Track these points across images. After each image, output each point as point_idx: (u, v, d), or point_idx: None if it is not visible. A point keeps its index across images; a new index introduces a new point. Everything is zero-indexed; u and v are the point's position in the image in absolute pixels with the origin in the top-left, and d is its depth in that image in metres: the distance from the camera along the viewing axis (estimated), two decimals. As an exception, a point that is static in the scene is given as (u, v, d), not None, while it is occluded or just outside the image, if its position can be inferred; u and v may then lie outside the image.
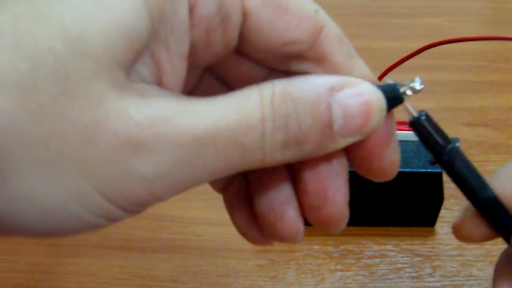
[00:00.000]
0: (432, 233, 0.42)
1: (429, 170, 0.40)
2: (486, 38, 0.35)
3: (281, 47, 0.21)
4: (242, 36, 0.21)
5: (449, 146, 0.24)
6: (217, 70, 0.23)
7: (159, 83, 0.20)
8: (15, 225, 0.18)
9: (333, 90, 0.20)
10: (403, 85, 0.22)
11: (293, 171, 0.23)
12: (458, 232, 0.27)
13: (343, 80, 0.20)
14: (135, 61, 0.19)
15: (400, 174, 0.40)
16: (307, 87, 0.20)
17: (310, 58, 0.21)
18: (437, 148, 0.24)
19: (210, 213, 0.43)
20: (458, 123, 0.54)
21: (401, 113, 0.50)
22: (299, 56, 0.21)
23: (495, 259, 0.32)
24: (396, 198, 0.41)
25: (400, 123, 0.44)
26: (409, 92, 0.22)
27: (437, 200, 0.41)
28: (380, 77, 0.38)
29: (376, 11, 0.85)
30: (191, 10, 0.19)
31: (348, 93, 0.20)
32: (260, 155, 0.19)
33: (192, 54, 0.20)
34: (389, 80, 0.23)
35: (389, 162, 0.23)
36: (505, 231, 0.26)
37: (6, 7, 0.17)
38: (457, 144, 0.24)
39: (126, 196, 0.18)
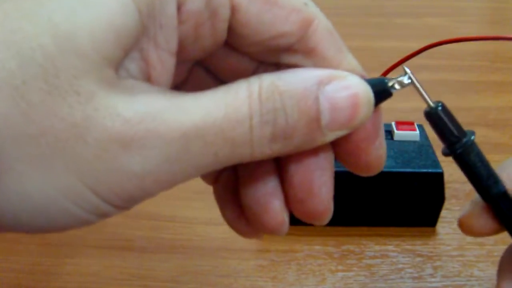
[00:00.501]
0: (433, 233, 0.42)
1: (430, 171, 0.40)
2: (487, 38, 0.35)
3: (270, 40, 0.21)
4: (231, 29, 0.21)
5: (465, 139, 0.24)
6: (206, 63, 0.23)
7: (148, 78, 0.20)
8: (6, 221, 0.18)
9: (321, 83, 0.20)
10: (391, 79, 0.22)
11: (279, 164, 0.23)
12: (465, 225, 0.27)
13: (331, 73, 0.20)
14: (124, 58, 0.19)
15: (401, 174, 0.40)
16: (295, 80, 0.20)
17: (300, 51, 0.21)
18: (452, 140, 0.24)
19: (210, 213, 0.43)
20: (458, 123, 0.53)
21: (401, 114, 0.50)
22: (289, 49, 0.21)
23: (497, 259, 0.32)
24: (397, 198, 0.41)
25: (401, 123, 0.44)
26: (397, 86, 0.22)
27: (438, 200, 0.41)
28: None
29: (376, 11, 0.85)
30: (180, 6, 0.19)
31: (336, 86, 0.20)
32: (249, 149, 0.19)
33: (181, 49, 0.20)
34: (406, 68, 0.23)
35: (375, 157, 0.22)
36: None
37: None
38: (472, 138, 0.24)
39: (116, 192, 0.18)
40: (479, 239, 0.40)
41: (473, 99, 0.59)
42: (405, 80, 0.22)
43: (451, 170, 0.46)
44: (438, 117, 0.24)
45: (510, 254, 0.28)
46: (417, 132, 0.43)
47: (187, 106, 0.19)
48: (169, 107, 0.18)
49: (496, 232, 0.26)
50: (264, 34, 0.21)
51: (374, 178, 0.40)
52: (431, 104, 0.23)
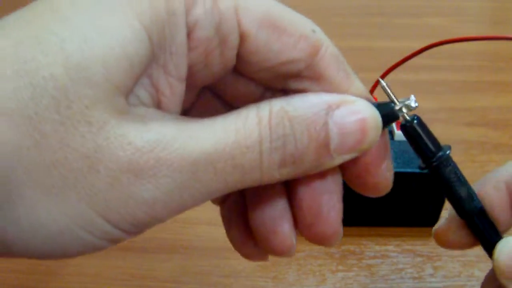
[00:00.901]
0: (433, 233, 0.42)
1: (430, 170, 0.40)
2: (487, 38, 0.35)
3: (278, 66, 0.21)
4: (239, 56, 0.21)
5: (440, 153, 0.24)
6: (215, 88, 0.23)
7: (158, 104, 0.20)
8: (20, 248, 0.18)
9: (329, 108, 0.20)
10: (398, 103, 0.22)
11: (288, 187, 0.23)
12: (440, 238, 0.27)
13: (339, 99, 0.20)
14: (135, 85, 0.19)
15: (401, 174, 0.40)
16: (304, 105, 0.20)
17: (308, 77, 0.21)
18: (427, 153, 0.24)
19: (211, 213, 0.42)
20: (459, 123, 0.54)
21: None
22: (297, 75, 0.21)
23: (497, 259, 0.32)
24: (397, 198, 0.41)
25: (400, 123, 0.44)
26: (404, 110, 0.22)
27: (438, 200, 0.41)
28: (382, 77, 0.38)
29: (377, 11, 0.85)
30: (189, 34, 0.20)
31: (345, 111, 0.20)
32: (258, 175, 0.20)
33: (190, 75, 0.21)
34: (383, 83, 0.23)
35: (383, 179, 0.23)
36: (488, 245, 0.26)
37: (7, 32, 0.18)
38: (448, 152, 0.24)
39: (128, 219, 0.19)
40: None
41: (473, 99, 0.59)
42: (412, 103, 0.22)
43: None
44: (413, 130, 0.24)
45: (490, 281, 0.28)
46: (417, 132, 0.43)
47: (197, 133, 0.19)
48: (180, 135, 0.19)
49: (470, 246, 0.26)
50: (272, 61, 0.21)
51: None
52: (406, 117, 0.23)
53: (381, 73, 0.37)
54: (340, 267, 0.39)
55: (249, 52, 0.20)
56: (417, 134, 0.23)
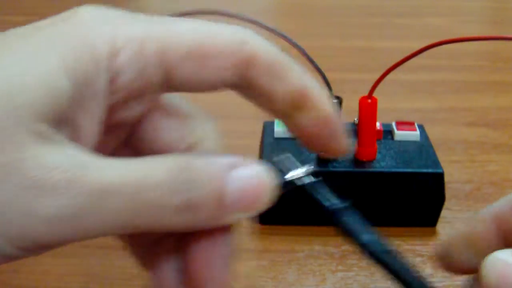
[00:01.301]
0: (433, 233, 0.42)
1: (430, 171, 0.40)
2: (487, 38, 0.35)
3: (210, 88, 0.22)
4: (169, 87, 0.22)
5: (337, 206, 0.24)
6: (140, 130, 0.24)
7: (77, 138, 0.21)
8: None
9: (231, 167, 0.21)
10: (294, 173, 0.23)
11: (183, 246, 0.23)
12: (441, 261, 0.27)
13: (240, 160, 0.22)
14: (57, 116, 0.20)
15: (401, 174, 0.40)
16: (208, 161, 0.21)
17: (241, 87, 0.23)
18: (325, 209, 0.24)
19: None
20: (459, 123, 0.54)
21: (402, 114, 0.50)
22: (231, 86, 0.23)
23: (497, 259, 0.32)
24: (397, 198, 0.41)
25: (401, 123, 0.44)
26: (298, 182, 0.23)
27: (439, 200, 0.41)
28: (382, 77, 0.38)
29: (377, 11, 0.85)
30: (112, 79, 0.21)
31: (243, 172, 0.21)
32: (158, 215, 0.20)
33: (112, 114, 0.22)
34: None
35: (340, 146, 0.24)
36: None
37: None
38: (345, 205, 0.24)
39: (25, 235, 0.19)
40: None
41: (473, 99, 0.59)
42: (306, 180, 0.23)
43: (451, 170, 0.46)
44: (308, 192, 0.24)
45: None
46: (418, 132, 0.43)
47: (109, 165, 0.20)
48: (91, 163, 0.19)
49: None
50: (203, 85, 0.22)
51: (374, 178, 0.40)
52: (300, 182, 0.23)
53: (381, 73, 0.37)
54: (340, 267, 0.39)
55: (176, 84, 0.22)
56: (311, 195, 0.24)
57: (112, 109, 0.22)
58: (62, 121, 0.20)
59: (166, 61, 0.21)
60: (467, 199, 0.44)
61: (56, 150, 0.19)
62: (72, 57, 0.20)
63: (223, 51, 0.22)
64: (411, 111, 0.44)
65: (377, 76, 0.38)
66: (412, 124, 0.44)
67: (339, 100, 0.40)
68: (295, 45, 0.37)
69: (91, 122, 0.21)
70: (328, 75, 0.39)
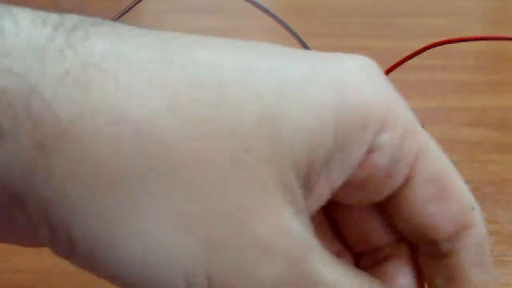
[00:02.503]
0: (433, 233, 0.42)
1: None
2: (487, 38, 0.35)
3: (419, 225, 0.20)
4: (391, 197, 0.20)
5: None
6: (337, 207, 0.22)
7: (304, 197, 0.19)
8: (96, 257, 0.17)
9: None
10: None
11: None
12: None
13: None
14: (309, 170, 0.18)
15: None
16: None
17: (442, 252, 0.20)
18: None
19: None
20: (459, 123, 0.53)
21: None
22: (430, 241, 0.20)
23: (497, 260, 0.32)
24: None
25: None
26: None
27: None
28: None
29: (377, 11, 0.85)
30: (368, 152, 0.19)
31: None
32: None
33: (341, 189, 0.19)
34: None
35: None
36: None
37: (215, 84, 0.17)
38: None
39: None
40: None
41: (473, 99, 0.59)
42: None
43: (451, 170, 0.46)
44: None
45: None
46: (417, 132, 0.43)
47: (330, 262, 0.18)
48: (317, 251, 0.18)
49: None
50: (418, 217, 0.20)
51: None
52: None
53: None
54: (340, 267, 0.39)
55: (401, 197, 0.20)
56: None
57: (346, 184, 0.19)
58: (307, 177, 0.18)
59: (415, 167, 0.19)
60: (467, 199, 0.44)
61: (292, 214, 0.17)
62: (344, 113, 0.18)
63: (460, 203, 0.20)
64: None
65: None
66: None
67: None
68: (304, 45, 0.37)
69: (325, 188, 0.19)
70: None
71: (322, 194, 0.19)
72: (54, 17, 0.17)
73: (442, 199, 0.19)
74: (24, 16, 0.16)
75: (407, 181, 0.19)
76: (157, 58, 0.16)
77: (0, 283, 0.38)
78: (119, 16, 0.35)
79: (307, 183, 0.18)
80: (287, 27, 0.36)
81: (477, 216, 0.20)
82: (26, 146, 0.15)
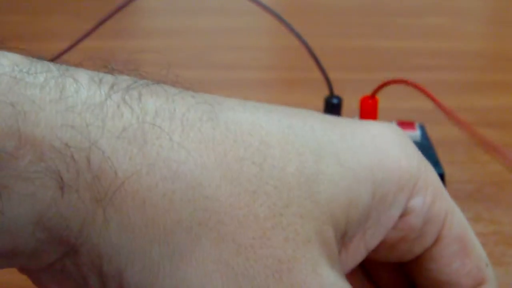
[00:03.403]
0: (433, 233, 0.42)
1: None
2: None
3: (442, 281, 0.21)
4: (419, 257, 0.21)
5: None
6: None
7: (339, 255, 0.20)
8: None
9: None
10: None
11: None
12: None
13: None
14: (346, 227, 0.19)
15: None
16: None
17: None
18: None
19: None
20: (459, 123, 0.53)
21: (402, 114, 0.50)
22: None
23: (497, 260, 0.32)
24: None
25: (402, 123, 0.44)
26: None
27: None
28: (373, 93, 0.38)
29: (377, 11, 0.85)
30: (403, 215, 0.20)
31: None
32: None
33: (376, 248, 0.20)
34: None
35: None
36: None
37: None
38: None
39: None
40: (480, 240, 0.40)
41: (473, 99, 0.58)
42: None
43: (452, 171, 0.46)
44: None
45: None
46: (418, 132, 0.43)
47: None
48: None
49: None
50: (440, 274, 0.21)
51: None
52: None
53: (381, 73, 0.37)
54: (340, 268, 0.39)
55: (430, 256, 0.21)
56: None
57: (380, 244, 0.20)
58: (344, 234, 0.19)
59: (444, 228, 0.20)
60: (468, 199, 0.44)
61: (328, 266, 0.18)
62: (380, 175, 0.19)
63: (477, 260, 0.21)
64: (411, 111, 0.44)
65: (377, 76, 0.38)
66: (412, 124, 0.44)
67: (340, 100, 0.40)
68: (305, 44, 0.37)
69: (361, 246, 0.20)
70: (328, 74, 0.39)
71: (358, 252, 0.20)
72: (109, 77, 0.18)
73: (464, 257, 0.21)
74: (83, 75, 0.17)
75: (436, 241, 0.21)
76: (206, 118, 0.17)
77: (0, 283, 0.37)
78: (112, 14, 0.35)
79: (343, 240, 0.19)
80: (289, 27, 0.36)
81: (491, 273, 0.22)
82: (85, 198, 0.16)
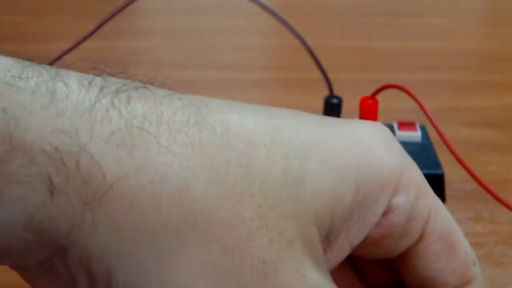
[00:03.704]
0: (433, 233, 0.42)
1: (431, 172, 0.40)
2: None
3: (428, 279, 0.21)
4: (404, 254, 0.21)
5: None
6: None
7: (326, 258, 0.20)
8: None
9: None
10: None
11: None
12: None
13: None
14: (330, 225, 0.19)
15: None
16: None
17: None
18: None
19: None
20: (459, 123, 0.53)
21: (402, 113, 0.50)
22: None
23: (496, 260, 0.32)
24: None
25: (403, 123, 0.44)
26: None
27: (438, 200, 0.41)
28: (373, 95, 0.38)
29: (377, 11, 0.85)
30: (386, 213, 0.20)
31: None
32: None
33: (359, 245, 0.21)
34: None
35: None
36: None
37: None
38: None
39: None
40: (479, 240, 0.40)
41: (473, 99, 0.59)
42: None
43: (451, 170, 0.46)
44: None
45: None
46: (419, 133, 0.43)
47: None
48: None
49: None
50: (425, 272, 0.21)
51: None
52: None
53: (381, 73, 0.37)
54: (340, 267, 0.39)
55: (415, 253, 0.21)
56: None
57: (364, 241, 0.21)
58: (329, 233, 0.19)
59: (427, 224, 0.21)
60: (468, 199, 0.44)
61: (312, 265, 0.18)
62: (364, 173, 0.19)
63: (464, 258, 0.21)
64: (412, 111, 0.44)
65: (377, 76, 0.38)
66: (413, 124, 0.44)
67: (339, 100, 0.40)
68: (305, 44, 0.37)
69: (345, 244, 0.20)
70: (328, 74, 0.39)
71: (342, 249, 0.20)
72: (98, 80, 0.18)
73: (450, 255, 0.21)
74: (73, 78, 0.17)
75: (420, 238, 0.21)
76: (192, 121, 0.18)
77: (0, 283, 0.37)
78: (115, 14, 0.35)
79: (328, 238, 0.19)
80: (288, 27, 0.37)
81: (478, 272, 0.22)
82: (74, 201, 0.16)
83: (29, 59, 0.18)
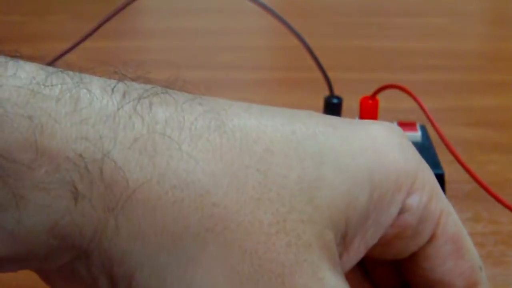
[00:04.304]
0: (433, 233, 0.42)
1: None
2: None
3: (436, 281, 0.22)
4: (414, 255, 0.21)
5: None
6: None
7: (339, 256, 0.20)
8: None
9: None
10: None
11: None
12: None
13: None
14: (345, 228, 0.19)
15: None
16: None
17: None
18: None
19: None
20: (458, 123, 0.53)
21: (402, 113, 0.50)
22: None
23: (497, 260, 0.32)
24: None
25: (403, 123, 0.44)
26: None
27: (438, 200, 0.41)
28: (374, 95, 0.38)
29: (376, 11, 0.85)
30: (400, 212, 0.20)
31: None
32: None
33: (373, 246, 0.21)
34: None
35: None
36: None
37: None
38: None
39: None
40: (479, 240, 0.40)
41: (473, 99, 0.59)
42: None
43: (451, 170, 0.46)
44: None
45: None
46: (419, 133, 0.43)
47: None
48: None
49: None
50: (433, 274, 0.21)
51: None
52: None
53: (381, 73, 0.37)
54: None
55: (425, 255, 0.21)
56: None
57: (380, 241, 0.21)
58: (345, 235, 0.19)
59: (438, 226, 0.21)
60: (467, 199, 0.44)
61: (329, 269, 0.18)
62: (378, 176, 0.19)
63: (471, 262, 0.22)
64: (412, 112, 0.44)
65: (377, 76, 0.38)
66: (413, 124, 0.44)
67: (340, 100, 0.40)
68: (305, 44, 0.37)
69: (361, 246, 0.20)
70: (328, 74, 0.39)
71: (358, 251, 0.20)
72: (120, 86, 0.18)
73: (458, 258, 0.21)
74: (96, 85, 0.18)
75: (430, 239, 0.21)
76: (213, 126, 0.18)
77: (0, 283, 0.38)
78: (114, 14, 0.35)
79: (345, 241, 0.19)
80: (288, 27, 0.37)
81: (484, 277, 0.22)
82: (98, 207, 0.17)
83: (30, 58, 0.18)
